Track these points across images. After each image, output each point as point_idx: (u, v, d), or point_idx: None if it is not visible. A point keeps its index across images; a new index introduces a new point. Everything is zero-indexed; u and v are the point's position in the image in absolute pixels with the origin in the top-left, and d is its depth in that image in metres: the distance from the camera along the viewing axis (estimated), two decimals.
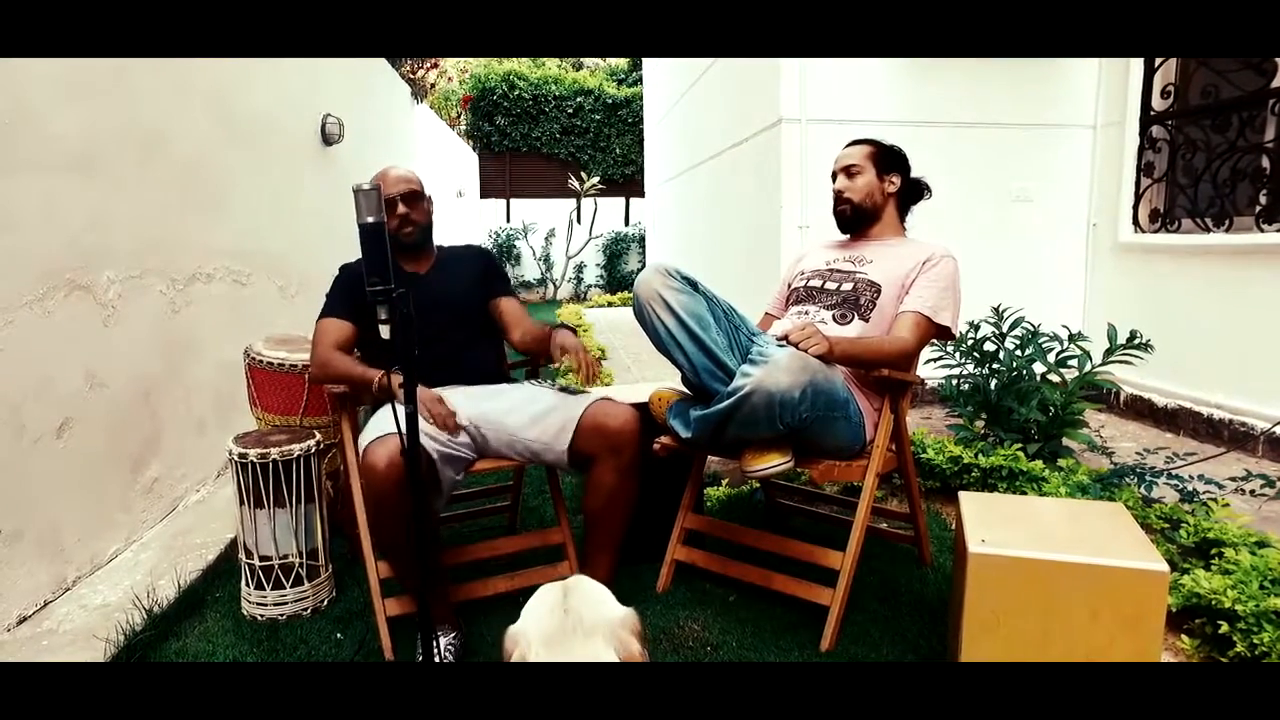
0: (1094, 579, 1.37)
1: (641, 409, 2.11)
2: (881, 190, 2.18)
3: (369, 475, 1.69)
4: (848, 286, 2.12)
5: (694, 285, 1.94)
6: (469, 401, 1.98)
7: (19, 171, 2.12)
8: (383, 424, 1.82)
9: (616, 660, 1.12)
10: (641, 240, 12.11)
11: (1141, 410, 3.79)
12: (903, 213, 2.25)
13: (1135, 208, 3.94)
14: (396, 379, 1.70)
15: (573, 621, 1.16)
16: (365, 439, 1.85)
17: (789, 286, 2.31)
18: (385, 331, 1.42)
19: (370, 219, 1.38)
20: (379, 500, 1.70)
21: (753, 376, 1.71)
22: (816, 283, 2.19)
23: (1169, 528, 2.28)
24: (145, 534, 2.62)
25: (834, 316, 2.09)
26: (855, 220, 2.21)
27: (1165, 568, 1.36)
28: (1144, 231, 3.92)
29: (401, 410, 1.43)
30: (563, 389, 2.08)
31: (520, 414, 1.97)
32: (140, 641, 1.93)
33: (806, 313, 2.15)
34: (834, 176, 2.22)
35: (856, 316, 2.07)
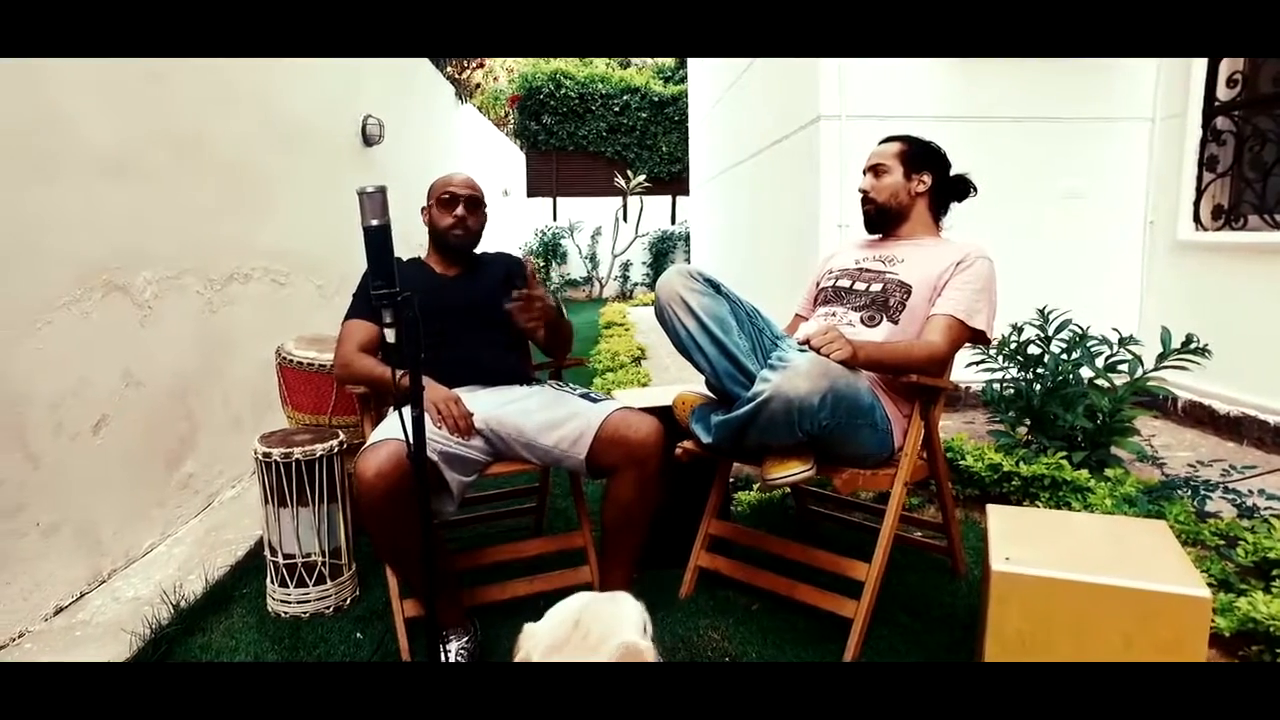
0: (1128, 603, 1.28)
1: (667, 412, 2.08)
2: (909, 190, 2.10)
3: (358, 486, 1.67)
4: (877, 287, 2.04)
5: (716, 287, 1.90)
6: (487, 403, 1.97)
7: (58, 175, 2.18)
8: (382, 430, 1.81)
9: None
10: (687, 239, 12.04)
11: (1201, 418, 3.60)
12: (939, 211, 2.16)
13: (1196, 204, 3.74)
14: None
15: (580, 634, 1.16)
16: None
17: (818, 286, 2.24)
18: (390, 335, 1.40)
19: (374, 221, 1.36)
20: (368, 510, 1.68)
21: (771, 382, 1.66)
22: (845, 283, 2.12)
23: (1224, 545, 2.15)
24: (180, 529, 2.68)
25: (862, 318, 2.02)
26: (880, 220, 2.14)
27: (1207, 593, 1.26)
28: (1206, 229, 3.72)
29: (407, 414, 1.42)
30: (584, 394, 2.05)
31: (538, 418, 1.94)
32: (166, 636, 1.97)
33: (834, 314, 2.08)
34: (863, 174, 2.16)
35: (885, 318, 1.99)
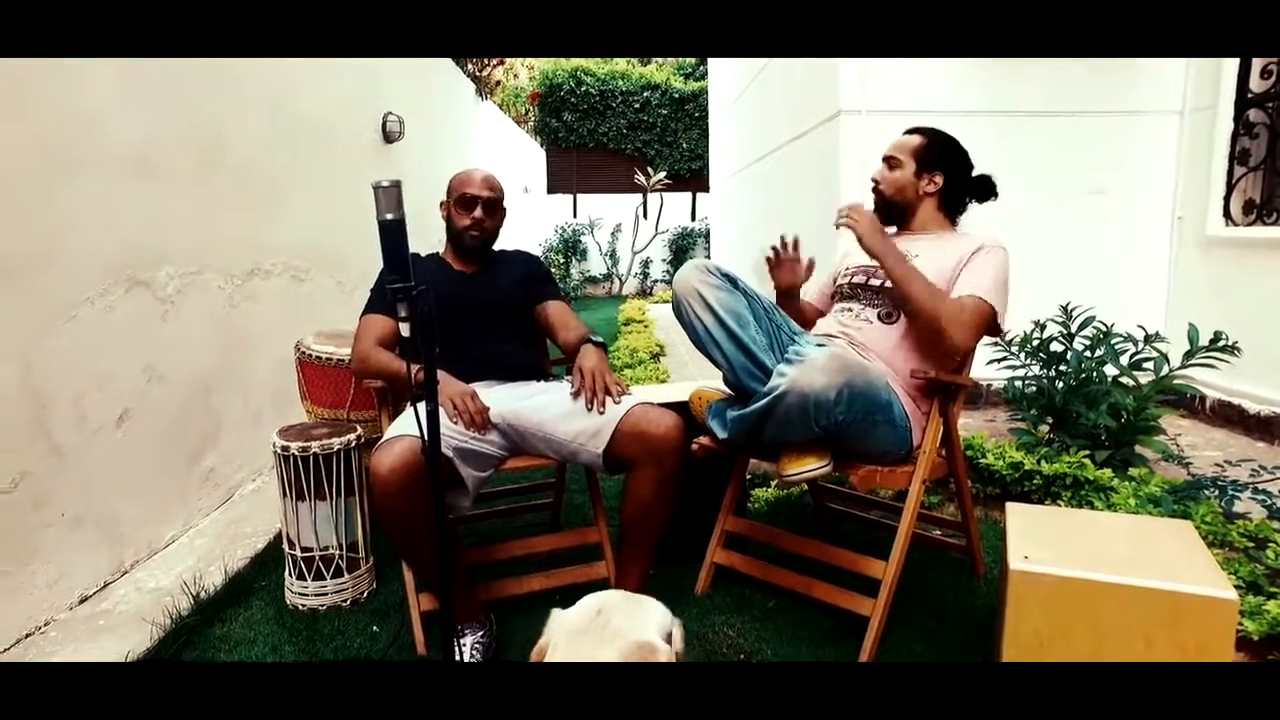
0: (1150, 604, 1.26)
1: (684, 408, 2.07)
2: (917, 188, 2.07)
3: (373, 481, 1.68)
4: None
5: (733, 282, 1.88)
6: (504, 398, 1.97)
7: (82, 173, 2.21)
8: (397, 425, 1.82)
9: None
10: (707, 235, 11.99)
11: (1231, 417, 3.52)
12: (953, 209, 2.12)
13: (1226, 199, 3.66)
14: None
15: (599, 624, 1.18)
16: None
17: (834, 283, 2.22)
18: (405, 329, 1.41)
19: (389, 215, 1.37)
20: (383, 506, 1.69)
21: (788, 376, 1.65)
22: (860, 279, 2.10)
23: (1254, 547, 2.10)
24: (201, 521, 2.71)
25: (879, 315, 1.99)
26: (885, 213, 2.12)
27: (1233, 595, 1.24)
28: (1236, 224, 3.64)
29: (422, 409, 1.42)
30: None
31: (556, 412, 1.93)
32: (186, 626, 1.99)
33: (850, 310, 2.06)
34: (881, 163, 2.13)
35: (902, 314, 1.96)
